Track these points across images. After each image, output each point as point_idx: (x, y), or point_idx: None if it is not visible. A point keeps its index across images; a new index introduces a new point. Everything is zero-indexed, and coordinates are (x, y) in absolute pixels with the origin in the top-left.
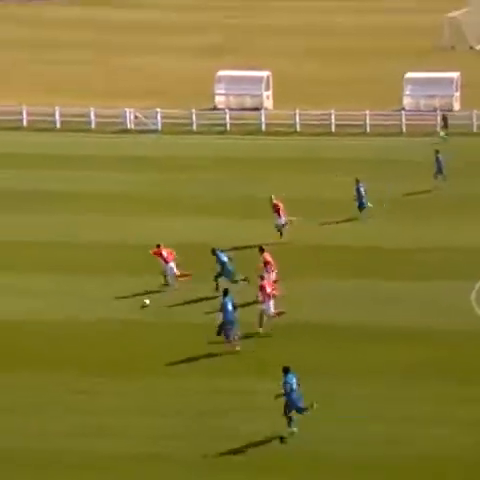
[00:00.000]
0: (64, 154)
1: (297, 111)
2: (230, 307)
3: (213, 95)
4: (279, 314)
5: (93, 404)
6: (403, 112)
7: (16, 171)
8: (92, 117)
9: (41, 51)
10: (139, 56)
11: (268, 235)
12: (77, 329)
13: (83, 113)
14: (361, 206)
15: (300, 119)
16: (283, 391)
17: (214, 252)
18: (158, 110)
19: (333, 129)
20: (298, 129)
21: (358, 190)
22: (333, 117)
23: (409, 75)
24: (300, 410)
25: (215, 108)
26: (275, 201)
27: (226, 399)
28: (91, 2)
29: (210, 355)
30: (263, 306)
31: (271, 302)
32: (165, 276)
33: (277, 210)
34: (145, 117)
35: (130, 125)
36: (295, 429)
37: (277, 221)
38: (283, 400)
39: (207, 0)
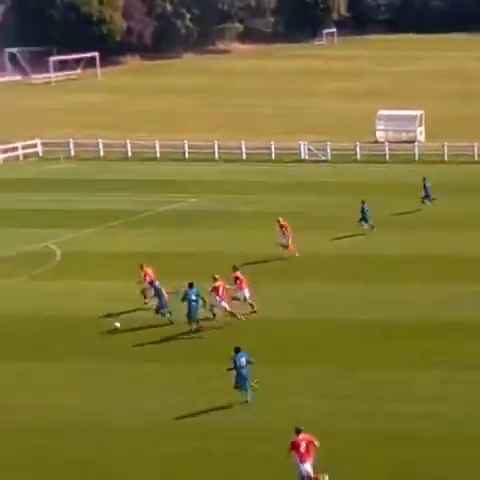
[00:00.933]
0: (250, 180)
1: (445, 143)
2: (194, 297)
3: (374, 130)
4: (231, 314)
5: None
6: None
7: (209, 195)
8: (272, 149)
9: (228, 97)
10: (309, 98)
11: (409, 247)
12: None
13: (265, 146)
14: (362, 220)
15: (447, 150)
16: (232, 366)
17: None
18: (328, 143)
19: (476, 158)
20: (446, 159)
21: (363, 210)
22: (476, 148)
23: None
24: (243, 386)
25: (376, 141)
26: (282, 222)
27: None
28: (266, 56)
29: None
30: (221, 304)
31: (224, 302)
32: (144, 292)
33: (283, 230)
34: (317, 149)
35: (304, 156)
36: (249, 398)
37: (280, 239)
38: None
39: (359, 51)
